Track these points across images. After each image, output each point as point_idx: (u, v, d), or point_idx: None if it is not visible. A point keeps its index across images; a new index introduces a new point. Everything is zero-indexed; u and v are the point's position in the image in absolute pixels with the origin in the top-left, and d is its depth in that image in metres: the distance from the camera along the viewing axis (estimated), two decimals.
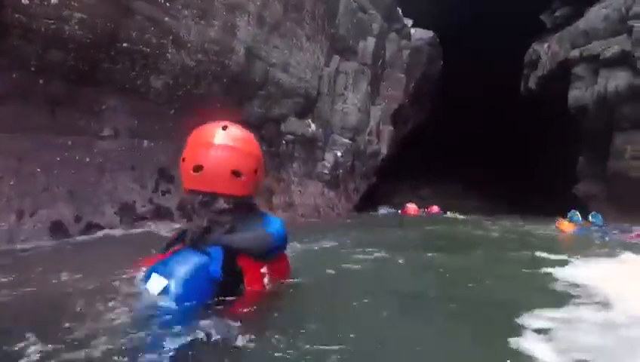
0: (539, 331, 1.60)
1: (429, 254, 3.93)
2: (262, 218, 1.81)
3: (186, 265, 1.49)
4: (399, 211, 12.18)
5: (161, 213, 4.72)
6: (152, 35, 4.54)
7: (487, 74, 15.94)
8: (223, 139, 1.71)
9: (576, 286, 2.46)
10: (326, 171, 9.56)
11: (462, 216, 11.52)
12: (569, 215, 8.70)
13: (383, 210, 12.21)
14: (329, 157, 9.84)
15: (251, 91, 6.59)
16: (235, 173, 1.68)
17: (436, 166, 16.57)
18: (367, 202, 12.28)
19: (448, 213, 12.35)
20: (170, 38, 4.78)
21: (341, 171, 10.19)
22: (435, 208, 12.91)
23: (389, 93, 13.32)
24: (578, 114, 11.30)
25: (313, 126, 8.90)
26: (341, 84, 10.49)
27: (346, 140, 10.62)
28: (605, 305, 2.05)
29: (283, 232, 1.81)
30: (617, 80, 9.93)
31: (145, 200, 4.73)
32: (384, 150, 12.97)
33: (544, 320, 1.74)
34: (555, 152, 13.85)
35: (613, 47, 10.07)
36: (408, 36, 14.04)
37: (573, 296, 2.23)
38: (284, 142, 7.93)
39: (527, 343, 1.46)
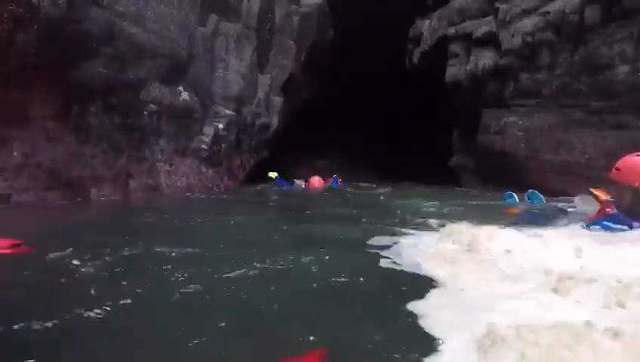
0: None
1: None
2: None
3: None
4: (303, 185, 10.77)
5: None
6: None
7: (376, 48, 16.12)
8: None
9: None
10: (204, 146, 8.48)
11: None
12: (504, 198, 7.61)
13: (285, 185, 10.80)
14: (208, 131, 8.75)
15: (89, 47, 5.15)
16: None
17: (328, 138, 16.54)
18: (259, 178, 11.51)
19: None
20: None
21: (223, 146, 9.19)
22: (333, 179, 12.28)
23: (278, 62, 12.49)
24: (453, 90, 12.02)
25: (185, 94, 7.67)
26: (221, 47, 9.30)
27: (229, 112, 9.58)
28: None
29: None
30: (485, 59, 10.67)
31: None
32: (275, 122, 12.26)
33: None
34: (436, 126, 14.77)
35: (482, 27, 10.75)
36: (297, 0, 13.21)
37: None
38: (145, 113, 6.61)
39: None
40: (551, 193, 9.28)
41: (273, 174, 10.80)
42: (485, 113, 10.86)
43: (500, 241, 3.06)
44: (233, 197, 7.71)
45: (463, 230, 3.39)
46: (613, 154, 8.46)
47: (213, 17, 8.91)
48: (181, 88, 7.60)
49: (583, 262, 2.56)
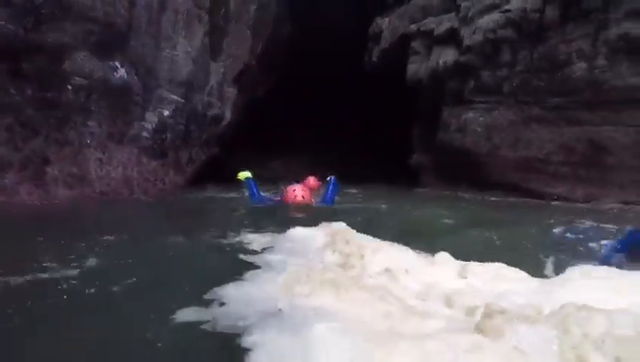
0: None
1: None
2: None
3: None
4: (277, 197, 6.86)
5: None
6: None
7: (335, 46, 15.74)
8: None
9: None
10: (146, 134, 7.39)
11: None
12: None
13: (258, 195, 6.60)
14: (151, 117, 7.67)
15: None
16: None
17: (284, 137, 15.82)
18: (210, 177, 10.46)
19: None
20: None
21: (169, 136, 8.14)
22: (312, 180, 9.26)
23: (233, 51, 11.60)
24: (414, 87, 11.86)
25: (123, 71, 6.58)
26: (168, 23, 8.27)
27: (177, 97, 8.55)
28: None
29: None
30: (446, 56, 10.58)
31: None
32: (228, 116, 11.32)
33: None
34: (396, 125, 14.59)
35: (444, 24, 10.66)
36: None
37: None
38: (69, 87, 5.49)
39: None
40: (511, 189, 9.28)
41: (244, 175, 6.60)
42: (445, 110, 10.76)
43: (382, 256, 2.52)
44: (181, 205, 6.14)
45: (349, 238, 2.76)
46: (570, 149, 8.70)
47: None
48: (117, 63, 6.50)
49: (470, 283, 2.21)
